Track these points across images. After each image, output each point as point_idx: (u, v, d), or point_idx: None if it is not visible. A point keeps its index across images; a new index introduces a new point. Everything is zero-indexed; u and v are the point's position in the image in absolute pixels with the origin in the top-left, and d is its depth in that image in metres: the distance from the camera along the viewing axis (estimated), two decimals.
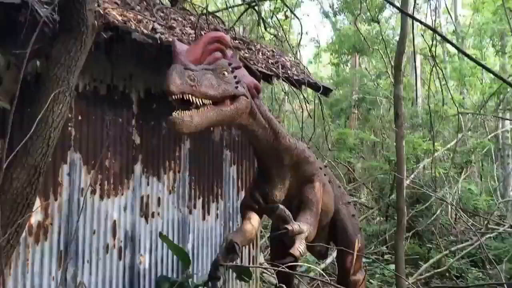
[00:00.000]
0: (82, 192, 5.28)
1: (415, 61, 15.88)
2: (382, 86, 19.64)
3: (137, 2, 6.14)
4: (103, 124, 5.52)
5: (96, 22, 4.54)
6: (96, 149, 5.43)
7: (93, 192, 5.41)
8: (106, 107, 5.55)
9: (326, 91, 7.61)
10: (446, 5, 18.37)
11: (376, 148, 18.87)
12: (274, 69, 6.55)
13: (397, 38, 14.79)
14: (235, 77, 3.45)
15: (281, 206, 4.21)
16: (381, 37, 13.19)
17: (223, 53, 3.52)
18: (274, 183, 4.36)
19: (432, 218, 11.50)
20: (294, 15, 8.53)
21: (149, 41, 5.09)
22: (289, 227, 3.92)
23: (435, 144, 12.63)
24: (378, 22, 13.06)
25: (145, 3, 6.42)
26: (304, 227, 4.05)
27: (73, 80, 4.25)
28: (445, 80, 7.70)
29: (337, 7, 18.67)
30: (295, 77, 7.06)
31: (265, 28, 7.97)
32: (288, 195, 4.45)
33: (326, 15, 21.07)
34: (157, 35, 5.21)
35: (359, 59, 22.02)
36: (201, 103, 3.19)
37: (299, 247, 3.87)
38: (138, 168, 5.91)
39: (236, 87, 3.43)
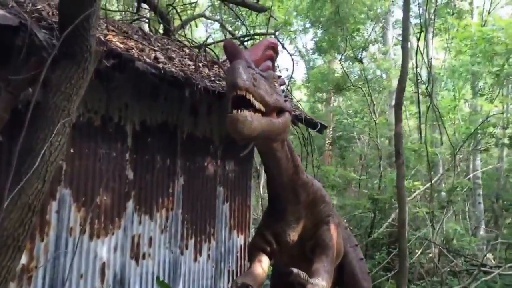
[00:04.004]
0: (71, 232, 4.85)
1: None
2: (357, 124, 19.71)
3: (134, 32, 5.86)
4: (96, 158, 5.14)
5: (98, 49, 4.24)
6: (87, 185, 5.03)
7: (83, 231, 4.98)
8: (100, 140, 5.18)
9: (322, 128, 7.42)
10: (418, 47, 18.69)
11: (350, 185, 18.74)
12: None
13: (381, 75, 14.95)
14: (283, 91, 3.16)
15: (295, 271, 3.79)
16: (363, 76, 13.25)
17: (273, 64, 3.25)
18: (288, 222, 3.99)
19: (414, 258, 11.29)
20: (287, 50, 8.38)
21: (152, 70, 4.80)
22: None
23: (416, 183, 12.59)
24: (362, 62, 13.13)
25: (140, 32, 6.15)
26: (323, 282, 3.68)
27: (73, 109, 3.90)
28: (440, 120, 7.65)
29: (312, 48, 18.74)
30: (293, 113, 6.83)
31: None
32: (301, 236, 4.09)
33: (302, 55, 21.12)
34: (160, 65, 4.92)
35: (332, 96, 22.13)
36: (258, 107, 2.82)
37: None
38: (130, 205, 5.51)
39: (285, 101, 3.14)
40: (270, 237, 4.08)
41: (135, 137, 5.58)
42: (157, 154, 5.86)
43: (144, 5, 7.51)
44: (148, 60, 4.89)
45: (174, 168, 6.11)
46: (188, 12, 8.50)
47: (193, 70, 5.64)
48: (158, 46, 5.88)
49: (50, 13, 4.65)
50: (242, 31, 10.02)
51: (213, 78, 5.82)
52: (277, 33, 9.70)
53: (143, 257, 5.62)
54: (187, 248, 6.23)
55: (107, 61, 4.45)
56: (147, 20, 8.36)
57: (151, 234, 5.74)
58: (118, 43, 4.81)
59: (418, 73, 5.90)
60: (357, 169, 18.63)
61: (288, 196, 3.90)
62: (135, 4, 8.03)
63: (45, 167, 3.62)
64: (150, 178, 5.77)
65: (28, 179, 3.51)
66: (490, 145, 13.77)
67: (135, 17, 7.12)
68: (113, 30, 5.29)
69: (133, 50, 4.84)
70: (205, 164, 6.55)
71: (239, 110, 2.68)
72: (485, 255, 10.62)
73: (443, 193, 13.67)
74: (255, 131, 2.77)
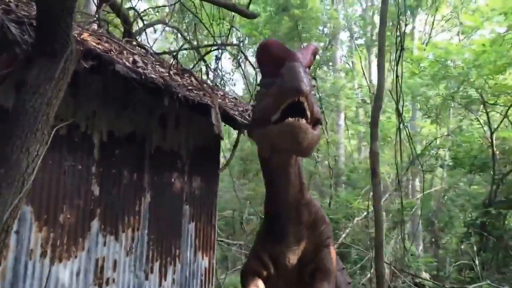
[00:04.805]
0: (31, 255, 4.24)
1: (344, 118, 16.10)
2: None
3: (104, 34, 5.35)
4: (61, 170, 4.57)
5: (78, 48, 3.76)
6: (50, 201, 4.45)
7: (43, 254, 4.37)
8: (65, 151, 4.62)
9: None
10: (362, 69, 19.15)
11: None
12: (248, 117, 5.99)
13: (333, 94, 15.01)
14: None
15: None
16: (316, 93, 13.23)
17: (309, 71, 2.92)
18: (288, 244, 3.63)
19: (365, 279, 11.28)
20: (250, 63, 8.13)
21: (133, 75, 4.33)
22: None
23: (366, 202, 12.64)
24: (315, 79, 13.13)
25: (108, 35, 5.64)
26: None
27: (53, 114, 3.39)
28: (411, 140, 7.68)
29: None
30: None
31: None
32: (301, 259, 3.77)
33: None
34: (140, 69, 4.47)
35: None
36: (308, 116, 2.46)
37: None
38: (95, 224, 4.95)
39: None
40: (267, 260, 3.72)
41: (102, 148, 5.06)
42: (125, 168, 5.35)
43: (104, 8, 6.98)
44: (127, 63, 4.42)
45: (141, 184, 5.61)
46: (150, 17, 8.06)
47: (168, 77, 5.20)
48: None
49: (18, 6, 4.09)
50: (201, 41, 9.68)
51: (190, 87, 5.42)
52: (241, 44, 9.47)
53: (107, 283, 5.05)
54: (152, 271, 5.70)
55: (85, 63, 3.96)
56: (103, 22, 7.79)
57: (115, 257, 5.19)
58: (93, 43, 4.31)
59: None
60: (308, 187, 18.49)
61: (290, 215, 3.56)
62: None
63: (22, 179, 3.08)
64: (117, 195, 5.24)
65: (2, 194, 2.96)
66: (434, 166, 14.19)
67: (92, 20, 6.57)
68: (86, 29, 4.78)
69: (111, 52, 4.35)
70: (172, 180, 6.09)
71: (296, 118, 2.37)
72: (449, 275, 10.77)
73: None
74: (310, 143, 2.45)
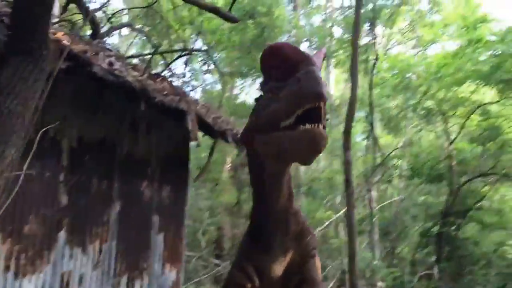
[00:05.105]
0: None
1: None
2: None
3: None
4: (27, 178, 4.22)
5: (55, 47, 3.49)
6: (15, 211, 4.10)
7: (7, 268, 4.03)
8: (32, 157, 4.28)
9: None
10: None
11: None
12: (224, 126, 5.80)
13: None
14: None
15: None
16: None
17: None
18: (275, 255, 3.47)
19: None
20: (217, 68, 7.94)
21: (110, 77, 4.07)
22: None
23: (328, 213, 12.68)
24: None
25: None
26: None
27: (30, 116, 3.11)
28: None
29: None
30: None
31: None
32: (287, 271, 3.61)
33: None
34: (116, 72, 4.21)
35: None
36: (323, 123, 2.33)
37: None
38: (62, 236, 4.63)
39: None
40: (251, 272, 3.54)
41: (71, 155, 4.74)
42: (94, 175, 5.04)
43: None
44: (103, 65, 4.15)
45: (110, 193, 5.31)
46: (118, 19, 7.73)
47: (143, 79, 4.95)
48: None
49: None
50: (169, 44, 9.39)
51: (165, 92, 5.18)
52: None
53: None
54: (119, 285, 5.39)
55: (61, 63, 3.68)
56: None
57: (82, 271, 4.87)
58: (67, 43, 4.02)
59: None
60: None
61: (278, 225, 3.39)
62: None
63: None
64: (85, 204, 4.93)
65: None
66: (393, 177, 14.40)
67: (57, 20, 6.21)
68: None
69: (87, 53, 4.07)
70: (142, 188, 5.81)
71: (315, 125, 2.23)
72: (412, 286, 10.85)
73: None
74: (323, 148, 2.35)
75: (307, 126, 2.21)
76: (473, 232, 13.52)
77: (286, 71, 2.48)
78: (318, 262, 3.87)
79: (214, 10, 4.83)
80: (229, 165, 19.51)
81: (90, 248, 4.98)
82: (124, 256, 5.48)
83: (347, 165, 6.15)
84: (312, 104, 2.20)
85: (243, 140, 3.12)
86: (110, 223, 5.28)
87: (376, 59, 6.06)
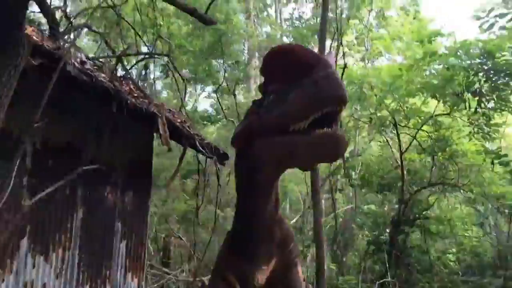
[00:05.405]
0: None
1: None
2: None
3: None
4: None
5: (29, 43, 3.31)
6: None
7: None
8: None
9: (223, 158, 6.91)
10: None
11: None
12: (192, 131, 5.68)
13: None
14: None
15: None
16: (236, 109, 13.03)
17: None
18: (258, 263, 3.42)
19: None
20: (179, 74, 7.81)
21: (84, 77, 3.90)
22: None
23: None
24: (235, 96, 13.00)
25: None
26: None
27: (2, 115, 2.92)
28: None
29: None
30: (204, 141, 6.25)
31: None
32: (270, 280, 3.57)
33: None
34: (89, 72, 4.05)
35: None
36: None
37: None
38: (24, 243, 4.39)
39: None
40: (234, 281, 3.47)
41: (36, 158, 4.51)
42: (58, 180, 4.80)
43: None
44: (76, 64, 3.98)
45: (74, 199, 5.10)
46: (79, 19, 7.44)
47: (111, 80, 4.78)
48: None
49: None
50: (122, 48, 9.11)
51: (136, 95, 5.03)
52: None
53: None
54: None
55: (34, 60, 3.50)
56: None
57: (45, 280, 4.64)
58: (36, 39, 3.83)
59: None
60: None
61: (263, 233, 3.36)
62: None
63: None
64: (49, 210, 4.69)
65: None
66: (344, 185, 14.63)
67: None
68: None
69: (59, 50, 3.88)
70: (106, 194, 5.61)
71: (334, 128, 2.19)
72: None
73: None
74: None
75: (326, 129, 2.17)
76: (418, 241, 13.91)
77: (296, 73, 2.40)
78: (300, 270, 3.85)
79: (191, 11, 4.74)
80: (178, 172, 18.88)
81: (53, 257, 4.75)
82: (86, 265, 5.26)
83: (314, 172, 6.15)
84: (333, 107, 2.15)
85: (237, 143, 3.02)
86: (73, 230, 5.06)
87: (345, 66, 6.17)
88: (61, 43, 4.35)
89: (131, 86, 5.48)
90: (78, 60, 4.17)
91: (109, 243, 5.69)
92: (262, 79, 2.81)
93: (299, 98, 2.25)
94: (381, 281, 10.55)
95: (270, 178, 3.01)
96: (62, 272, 4.87)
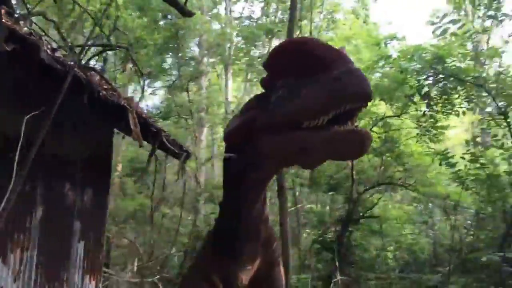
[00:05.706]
0: None
1: None
2: None
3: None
4: None
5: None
6: None
7: None
8: None
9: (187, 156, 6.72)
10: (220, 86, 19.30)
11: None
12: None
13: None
14: None
15: None
16: (189, 107, 12.77)
17: None
18: (243, 262, 3.33)
19: None
20: (138, 68, 7.53)
21: (58, 66, 3.63)
22: None
23: None
24: (188, 91, 12.70)
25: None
26: None
27: None
28: None
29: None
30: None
31: None
32: (253, 279, 3.48)
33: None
34: (61, 59, 3.77)
35: None
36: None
37: None
38: None
39: None
40: (217, 281, 3.37)
41: None
42: (18, 175, 4.46)
43: None
44: (49, 51, 3.70)
45: (34, 196, 4.77)
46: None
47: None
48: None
49: None
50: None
51: (106, 87, 4.76)
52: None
53: None
54: None
55: (6, 45, 3.21)
56: None
57: (2, 283, 4.30)
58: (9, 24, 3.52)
59: None
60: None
61: (250, 232, 3.27)
62: None
63: None
64: (7, 208, 4.34)
65: None
66: (295, 185, 14.72)
67: None
68: None
69: (32, 36, 3.59)
70: (65, 191, 5.29)
71: (355, 125, 2.12)
72: None
73: None
74: None
75: (349, 126, 2.09)
76: (361, 239, 14.27)
77: (309, 67, 2.30)
78: (282, 269, 3.80)
79: (172, 2, 4.54)
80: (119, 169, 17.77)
81: (11, 258, 4.41)
82: (44, 266, 4.94)
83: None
84: (357, 104, 2.07)
85: (233, 139, 2.88)
86: (31, 230, 4.73)
87: None
88: (29, 30, 4.03)
89: (98, 78, 5.19)
90: (49, 47, 3.88)
91: (67, 243, 5.38)
92: (265, 73, 2.69)
93: (318, 93, 2.13)
94: (335, 279, 10.67)
95: (267, 175, 2.92)
96: (20, 274, 4.54)
